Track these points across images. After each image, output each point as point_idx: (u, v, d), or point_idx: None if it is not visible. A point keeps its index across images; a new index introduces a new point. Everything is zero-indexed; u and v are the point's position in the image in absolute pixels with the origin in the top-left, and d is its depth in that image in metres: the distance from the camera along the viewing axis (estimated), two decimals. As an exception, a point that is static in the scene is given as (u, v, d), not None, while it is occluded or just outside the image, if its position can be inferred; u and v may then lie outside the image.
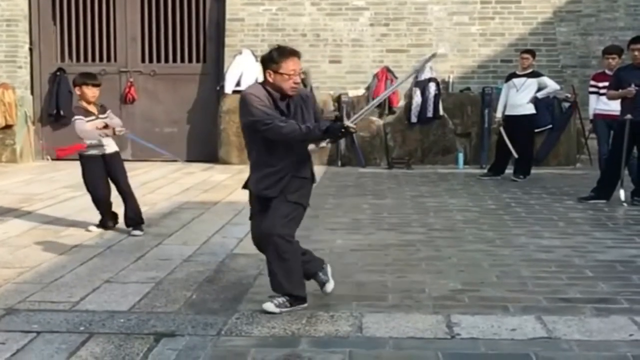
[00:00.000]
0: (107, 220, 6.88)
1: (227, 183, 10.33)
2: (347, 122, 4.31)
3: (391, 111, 12.59)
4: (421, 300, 4.68)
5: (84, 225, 6.91)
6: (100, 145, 6.72)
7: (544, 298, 4.70)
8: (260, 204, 4.52)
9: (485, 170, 11.29)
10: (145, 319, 4.26)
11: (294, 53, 4.44)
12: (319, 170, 11.79)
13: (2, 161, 12.58)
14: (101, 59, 13.24)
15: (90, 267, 5.47)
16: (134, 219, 6.77)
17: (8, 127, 12.51)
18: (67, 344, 3.85)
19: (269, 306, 4.35)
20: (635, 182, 8.69)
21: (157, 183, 10.21)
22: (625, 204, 8.33)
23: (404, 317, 4.29)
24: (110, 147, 6.81)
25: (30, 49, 13.34)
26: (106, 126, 6.74)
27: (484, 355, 3.72)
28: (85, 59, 13.27)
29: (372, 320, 4.23)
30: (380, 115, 12.62)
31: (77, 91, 6.77)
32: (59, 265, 5.52)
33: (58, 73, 13.17)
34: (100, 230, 6.79)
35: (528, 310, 4.42)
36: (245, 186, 4.68)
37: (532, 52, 10.92)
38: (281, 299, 4.39)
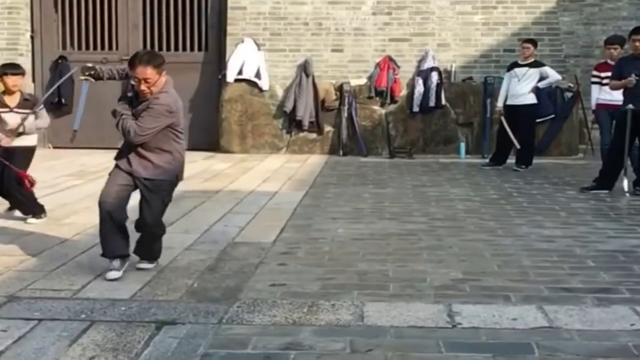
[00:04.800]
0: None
1: (228, 172, 10.33)
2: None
3: (393, 100, 12.56)
4: (422, 289, 4.68)
5: (85, 213, 6.91)
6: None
7: (546, 288, 4.70)
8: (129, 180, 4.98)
9: (487, 160, 11.28)
10: (146, 307, 4.27)
11: (142, 62, 4.77)
12: (320, 159, 11.85)
13: (4, 149, 12.56)
14: (103, 47, 13.20)
15: (92, 255, 5.46)
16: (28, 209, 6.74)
17: (9, 115, 12.49)
18: (69, 332, 3.85)
19: (145, 265, 5.11)
20: (637, 172, 8.69)
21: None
22: (627, 194, 8.33)
23: (405, 306, 4.29)
24: (16, 141, 6.59)
25: (32, 37, 13.32)
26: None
27: (485, 344, 3.72)
28: (87, 47, 13.23)
29: (374, 309, 4.23)
30: (382, 105, 12.61)
31: None
32: (61, 253, 5.52)
33: (59, 61, 13.13)
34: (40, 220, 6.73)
35: (529, 300, 4.42)
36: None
37: (533, 42, 10.88)
38: (148, 263, 5.14)
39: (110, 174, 5.04)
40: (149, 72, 4.75)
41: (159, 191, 5.00)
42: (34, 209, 6.75)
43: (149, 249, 5.17)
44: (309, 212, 7.36)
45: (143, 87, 4.79)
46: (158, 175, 4.95)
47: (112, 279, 4.81)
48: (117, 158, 5.04)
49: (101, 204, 4.90)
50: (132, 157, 4.93)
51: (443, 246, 5.90)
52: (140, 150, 4.92)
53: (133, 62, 4.80)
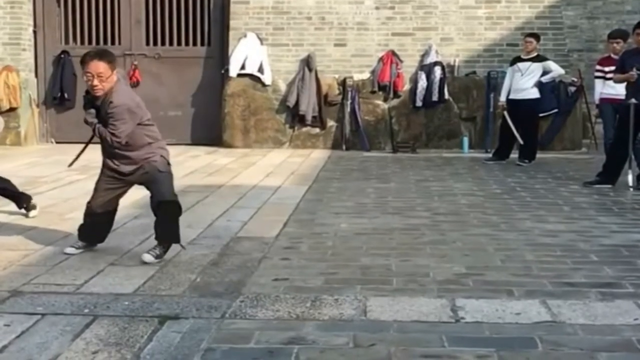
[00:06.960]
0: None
1: (231, 166, 10.33)
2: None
3: (396, 95, 12.56)
4: (426, 284, 4.67)
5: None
6: None
7: (549, 282, 4.70)
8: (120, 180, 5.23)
9: (490, 155, 11.27)
10: (149, 302, 4.27)
11: (94, 57, 4.85)
12: (323, 153, 11.85)
13: (7, 144, 12.57)
14: (105, 42, 13.18)
15: (95, 250, 5.46)
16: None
17: (12, 110, 12.49)
18: (72, 326, 3.85)
19: (148, 258, 5.06)
20: (640, 166, 8.68)
21: (161, 166, 10.19)
22: (631, 189, 8.31)
23: (408, 300, 4.28)
24: None
25: (35, 32, 13.31)
26: None
27: (488, 339, 3.72)
28: (90, 42, 13.21)
29: (377, 303, 4.23)
30: (385, 99, 12.59)
31: None
32: (64, 248, 5.51)
33: (62, 56, 13.15)
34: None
35: (532, 295, 4.41)
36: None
37: (536, 36, 10.86)
38: (159, 250, 5.13)
39: (100, 177, 5.30)
40: (101, 66, 4.82)
41: (156, 170, 5.13)
42: (22, 201, 6.72)
43: (170, 228, 5.21)
44: (312, 206, 7.36)
45: (95, 81, 4.83)
46: (147, 162, 5.12)
47: (68, 253, 5.27)
48: (104, 158, 5.24)
49: (90, 209, 5.34)
50: (116, 159, 5.13)
51: (446, 241, 5.89)
52: (121, 152, 5.07)
53: (84, 59, 4.86)
